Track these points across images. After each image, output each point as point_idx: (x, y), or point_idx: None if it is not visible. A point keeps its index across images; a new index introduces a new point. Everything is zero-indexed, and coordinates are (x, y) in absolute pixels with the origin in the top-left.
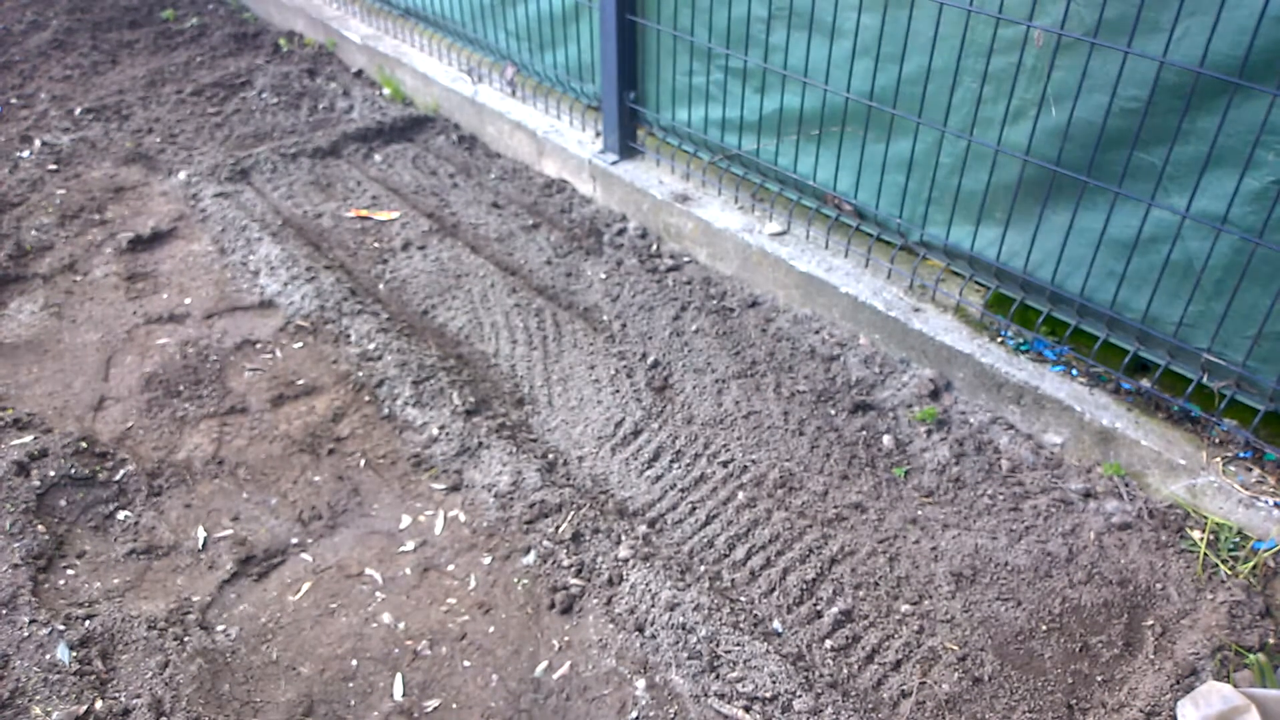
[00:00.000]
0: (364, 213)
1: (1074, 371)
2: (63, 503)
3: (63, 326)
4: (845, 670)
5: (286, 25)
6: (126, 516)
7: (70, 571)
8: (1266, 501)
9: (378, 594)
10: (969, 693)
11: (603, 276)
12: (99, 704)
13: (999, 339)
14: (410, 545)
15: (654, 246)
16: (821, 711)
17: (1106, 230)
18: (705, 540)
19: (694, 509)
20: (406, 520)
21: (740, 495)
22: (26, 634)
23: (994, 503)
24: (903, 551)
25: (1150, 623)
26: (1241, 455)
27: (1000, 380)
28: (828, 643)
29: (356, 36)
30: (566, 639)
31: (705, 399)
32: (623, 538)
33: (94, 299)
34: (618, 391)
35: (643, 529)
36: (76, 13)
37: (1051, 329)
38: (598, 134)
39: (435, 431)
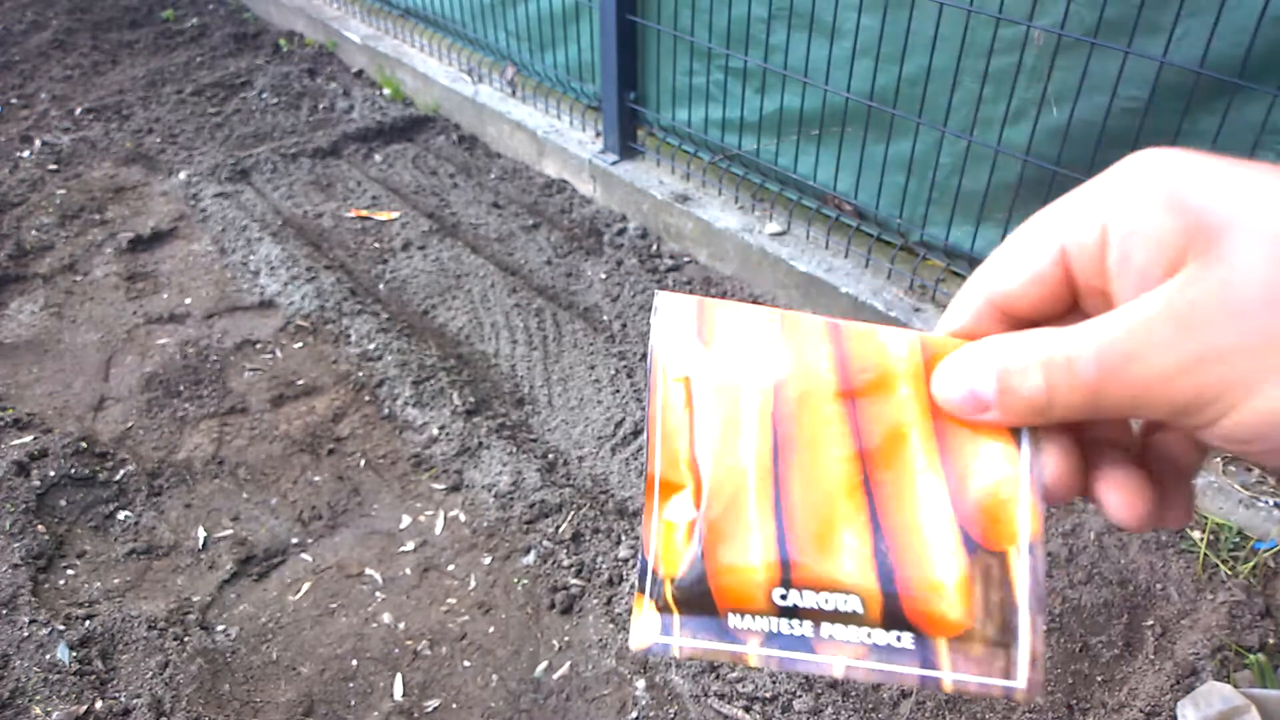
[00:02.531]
0: (364, 213)
1: None
2: (63, 503)
3: (63, 326)
4: None
5: (286, 25)
6: (126, 516)
7: (70, 571)
8: (1266, 501)
9: (378, 594)
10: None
11: (603, 276)
12: (99, 704)
13: None
14: (410, 545)
15: (654, 246)
16: (821, 711)
17: None
18: None
19: None
20: (406, 520)
21: None
22: (26, 634)
23: None
24: None
25: (1150, 623)
26: None
27: None
28: None
29: (356, 36)
30: (566, 639)
31: None
32: (623, 538)
33: (94, 299)
34: (618, 391)
35: None
36: (76, 13)
37: None
38: (598, 134)
39: (435, 431)
